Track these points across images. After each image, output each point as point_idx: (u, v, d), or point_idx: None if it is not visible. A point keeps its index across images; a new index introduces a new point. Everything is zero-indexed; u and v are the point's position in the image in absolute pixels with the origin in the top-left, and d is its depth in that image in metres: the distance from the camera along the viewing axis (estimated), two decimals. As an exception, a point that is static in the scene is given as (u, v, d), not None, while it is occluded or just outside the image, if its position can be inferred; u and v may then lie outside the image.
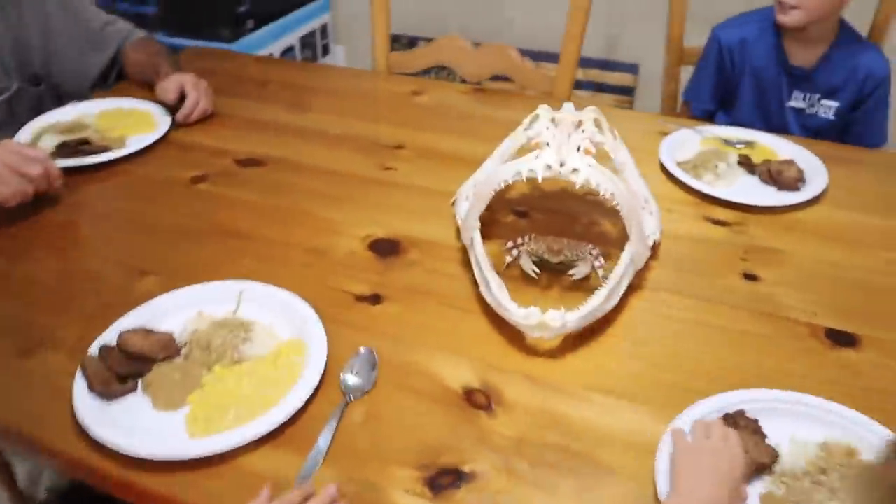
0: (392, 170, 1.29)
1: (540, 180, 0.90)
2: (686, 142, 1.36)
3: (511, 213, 1.18)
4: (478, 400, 0.85)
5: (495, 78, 1.66)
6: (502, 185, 0.94)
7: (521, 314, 0.89)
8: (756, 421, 0.81)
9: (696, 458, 0.73)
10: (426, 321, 0.96)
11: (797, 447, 0.80)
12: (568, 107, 1.07)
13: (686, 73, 1.76)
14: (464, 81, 1.68)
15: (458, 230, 1.10)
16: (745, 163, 1.29)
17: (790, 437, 0.80)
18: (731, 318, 0.98)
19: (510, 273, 1.04)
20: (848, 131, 1.57)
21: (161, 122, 1.39)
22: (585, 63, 2.70)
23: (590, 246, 1.05)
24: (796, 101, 1.57)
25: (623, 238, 0.96)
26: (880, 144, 1.57)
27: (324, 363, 0.86)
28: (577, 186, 0.90)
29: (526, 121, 1.06)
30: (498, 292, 0.92)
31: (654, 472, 0.75)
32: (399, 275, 1.04)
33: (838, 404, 0.84)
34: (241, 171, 1.28)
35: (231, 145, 1.36)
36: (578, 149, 0.93)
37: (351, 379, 0.85)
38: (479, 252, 0.97)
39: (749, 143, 1.35)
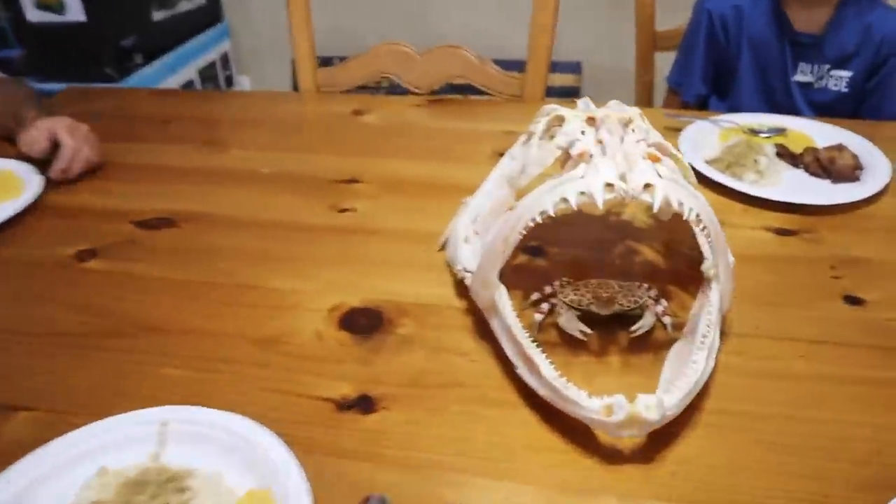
0: (350, 211, 0.98)
1: (601, 207, 0.62)
2: (705, 137, 1.10)
3: (519, 252, 0.88)
4: (560, 554, 0.55)
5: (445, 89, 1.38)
6: (539, 220, 0.65)
7: (599, 407, 0.59)
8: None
9: None
10: (448, 431, 0.65)
11: None
12: (591, 105, 0.79)
13: (661, 59, 1.53)
14: (409, 93, 1.39)
15: (457, 285, 0.81)
16: (785, 154, 1.05)
17: None
18: (847, 362, 0.72)
19: (544, 338, 0.74)
20: (862, 104, 1.36)
21: (28, 184, 1.04)
22: (520, 66, 2.47)
23: (644, 286, 0.77)
24: (802, 75, 1.35)
25: (674, 268, 0.70)
26: (898, 117, 1.37)
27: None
28: (656, 209, 0.62)
29: (538, 126, 0.78)
30: (552, 377, 0.62)
31: None
32: (392, 360, 0.73)
33: None
34: (145, 237, 0.94)
35: (128, 204, 1.01)
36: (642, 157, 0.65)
37: (362, 554, 0.54)
38: (512, 320, 0.67)
39: (780, 131, 1.11)
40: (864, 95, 1.35)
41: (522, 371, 0.66)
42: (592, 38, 2.43)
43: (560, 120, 0.74)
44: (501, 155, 1.07)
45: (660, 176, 0.63)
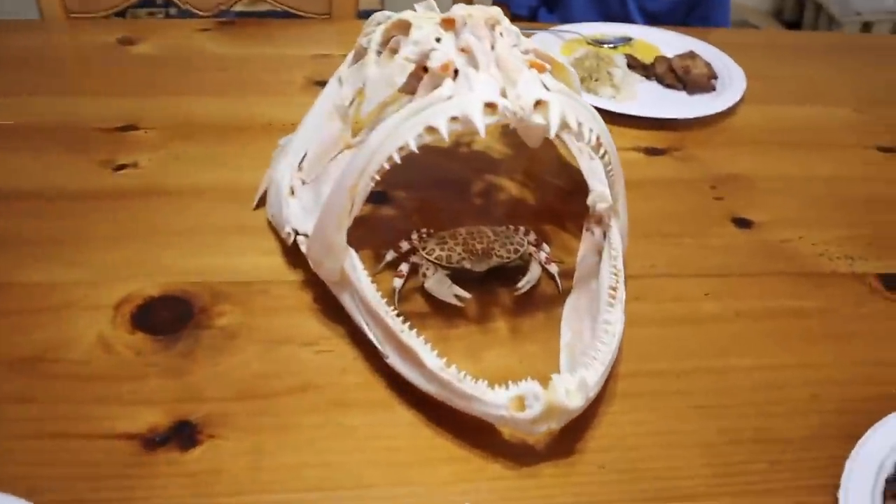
0: (130, 168, 0.74)
1: (483, 133, 0.46)
2: (548, 51, 0.97)
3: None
4: None
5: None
6: (398, 159, 0.47)
7: (507, 400, 0.45)
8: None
9: None
10: (304, 455, 0.47)
11: None
12: (434, 5, 0.61)
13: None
14: (191, 17, 1.13)
15: (287, 252, 0.62)
16: (636, 65, 0.94)
17: None
18: (756, 293, 0.63)
19: (409, 308, 0.58)
20: (692, 12, 1.30)
21: None
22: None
23: (521, 230, 0.63)
24: (636, -17, 1.26)
25: (544, 202, 0.62)
26: (725, 25, 1.33)
27: None
28: (552, 133, 0.47)
29: (372, 38, 0.60)
30: (438, 367, 0.47)
31: None
32: (214, 366, 0.53)
33: None
34: None
35: None
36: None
37: None
38: (372, 296, 0.50)
39: (626, 40, 1.01)
40: (693, 5, 1.29)
41: (395, 361, 0.50)
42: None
43: (403, 27, 0.56)
44: (318, 84, 0.89)
45: (551, 89, 0.48)
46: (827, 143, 0.86)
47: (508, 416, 0.45)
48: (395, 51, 0.57)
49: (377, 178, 0.48)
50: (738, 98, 0.89)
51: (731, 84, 0.91)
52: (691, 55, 0.93)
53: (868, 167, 0.83)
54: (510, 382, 0.46)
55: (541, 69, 0.49)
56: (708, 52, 0.97)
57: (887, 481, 0.47)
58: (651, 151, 0.80)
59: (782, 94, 0.95)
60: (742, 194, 0.75)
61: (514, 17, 1.33)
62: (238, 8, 1.12)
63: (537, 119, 0.46)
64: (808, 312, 0.62)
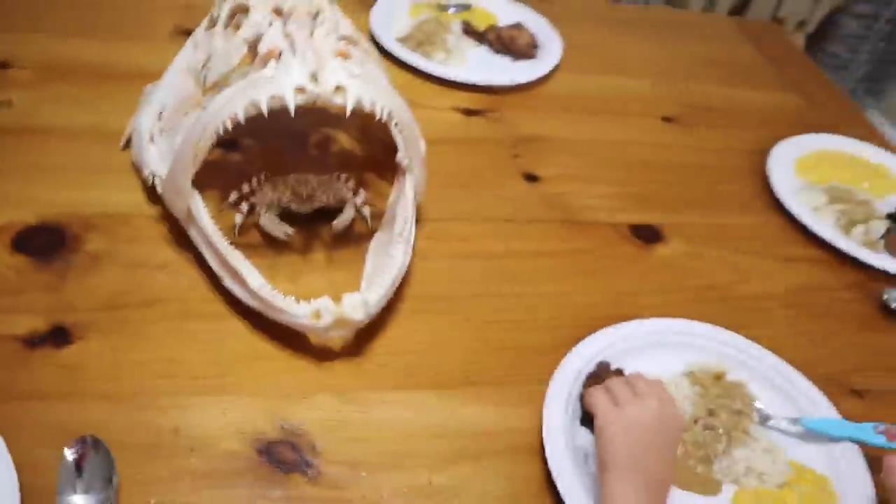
0: (4, 106, 0.84)
1: (292, 112, 0.60)
2: (395, 13, 1.10)
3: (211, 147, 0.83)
4: (284, 456, 0.57)
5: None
6: (229, 126, 0.61)
7: (308, 312, 0.60)
8: (621, 371, 0.66)
9: (633, 426, 0.56)
10: (155, 353, 0.62)
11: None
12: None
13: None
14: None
15: (148, 190, 0.75)
16: (471, 31, 1.09)
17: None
18: (533, 236, 0.81)
19: (246, 240, 0.73)
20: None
21: None
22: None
23: (343, 178, 0.78)
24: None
25: (370, 155, 0.77)
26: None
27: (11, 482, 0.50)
28: (348, 112, 0.61)
29: (221, 12, 0.72)
30: (258, 286, 0.62)
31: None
32: (83, 283, 0.66)
33: (679, 320, 0.73)
34: None
35: None
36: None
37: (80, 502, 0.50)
38: (211, 229, 0.64)
39: (466, 7, 1.14)
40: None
41: (228, 282, 0.64)
42: None
43: (244, 8, 0.69)
44: (184, 33, 0.98)
45: (351, 75, 0.62)
46: (622, 112, 1.04)
47: (307, 324, 0.60)
48: (237, 26, 0.70)
49: (215, 138, 0.62)
50: (551, 67, 1.04)
51: (551, 53, 1.07)
52: (518, 26, 1.08)
53: (649, 134, 1.01)
54: (312, 298, 0.61)
55: (345, 56, 0.63)
56: (536, 21, 1.12)
57: (588, 376, 0.65)
58: (469, 112, 0.96)
59: (594, 65, 1.12)
60: (537, 154, 0.92)
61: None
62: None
63: (338, 100, 0.61)
64: (568, 253, 0.80)
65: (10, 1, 1.00)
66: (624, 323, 0.71)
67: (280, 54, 0.62)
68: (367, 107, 0.62)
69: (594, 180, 0.90)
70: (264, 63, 0.62)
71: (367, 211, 0.76)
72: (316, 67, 0.61)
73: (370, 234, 0.74)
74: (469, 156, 0.89)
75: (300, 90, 0.59)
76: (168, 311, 0.65)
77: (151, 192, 0.74)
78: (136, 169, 0.76)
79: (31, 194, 0.74)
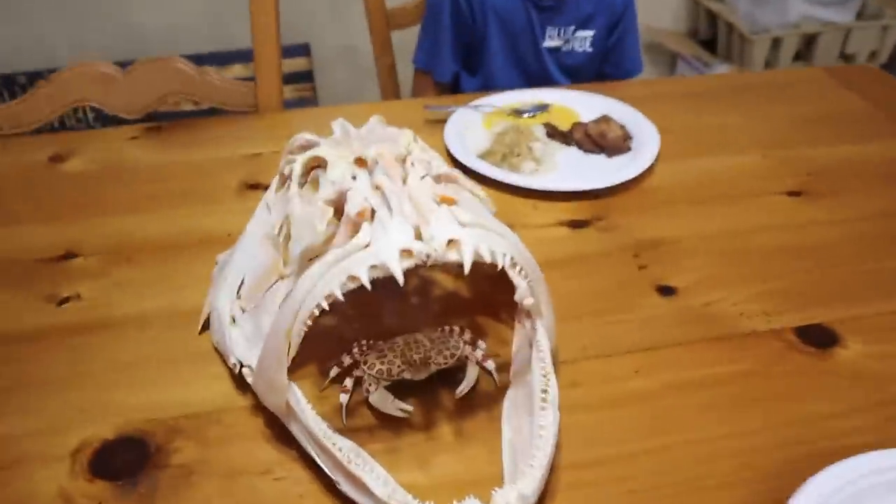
0: (74, 300, 0.76)
1: (401, 280, 0.49)
2: (469, 126, 1.01)
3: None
4: None
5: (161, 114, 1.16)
6: (326, 307, 0.51)
7: (454, 524, 0.48)
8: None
9: None
10: None
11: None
12: (350, 129, 0.65)
13: (399, 38, 1.42)
14: (119, 122, 1.15)
15: (235, 377, 0.65)
16: (555, 133, 0.99)
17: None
18: (686, 363, 0.67)
19: (356, 423, 0.61)
20: (606, 61, 1.36)
21: None
22: (247, 56, 2.25)
23: (456, 331, 0.67)
24: (551, 40, 1.32)
25: (478, 293, 0.67)
26: (638, 71, 1.39)
27: None
28: (467, 270, 0.50)
29: (294, 169, 0.63)
30: (386, 495, 0.50)
31: None
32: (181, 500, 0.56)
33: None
34: None
35: None
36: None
37: None
38: (317, 428, 0.53)
39: (543, 108, 1.05)
40: (606, 53, 1.36)
41: (347, 488, 0.53)
42: (315, 14, 2.28)
43: (320, 162, 0.60)
44: (251, 187, 0.91)
45: (462, 224, 0.51)
46: (737, 195, 0.91)
47: (458, 540, 0.48)
48: (316, 182, 0.61)
49: (310, 323, 0.51)
50: (653, 158, 0.93)
51: (646, 142, 0.96)
52: (605, 119, 0.98)
53: (777, 214, 0.88)
54: (455, 501, 0.49)
55: (450, 202, 0.53)
56: (622, 111, 1.02)
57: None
58: (575, 224, 0.84)
59: (690, 147, 1.00)
60: (663, 260, 0.79)
61: (438, 84, 1.37)
62: (164, 108, 1.14)
63: (452, 256, 0.50)
64: (733, 377, 0.66)
65: (65, 186, 0.95)
66: (831, 466, 0.56)
67: (373, 213, 0.52)
68: (486, 258, 0.51)
69: (733, 281, 0.77)
70: (356, 227, 0.52)
71: (490, 365, 0.64)
72: (418, 221, 0.51)
73: (498, 391, 0.62)
74: (588, 276, 0.77)
75: (406, 252, 0.49)
76: (278, 533, 0.54)
77: (239, 380, 0.64)
78: (219, 353, 0.67)
79: (106, 401, 0.64)
